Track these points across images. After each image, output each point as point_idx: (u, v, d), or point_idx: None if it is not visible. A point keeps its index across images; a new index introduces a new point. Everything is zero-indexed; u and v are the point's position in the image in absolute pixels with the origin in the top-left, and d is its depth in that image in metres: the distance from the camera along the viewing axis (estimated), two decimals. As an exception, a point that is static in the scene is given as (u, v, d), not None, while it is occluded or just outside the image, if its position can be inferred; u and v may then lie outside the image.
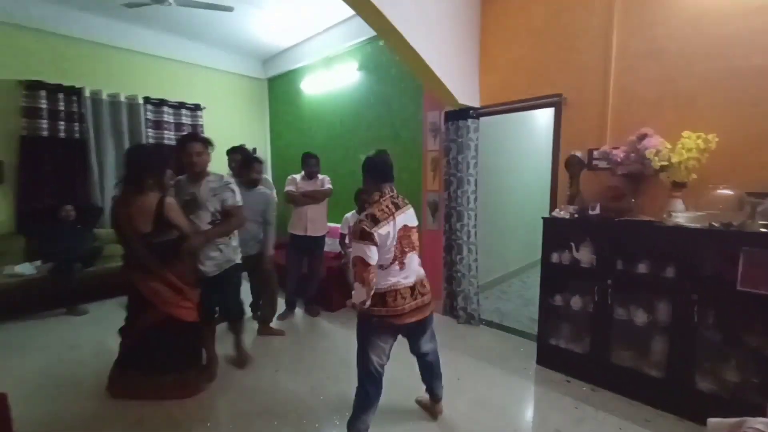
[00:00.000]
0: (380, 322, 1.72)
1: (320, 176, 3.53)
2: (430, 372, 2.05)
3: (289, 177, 3.50)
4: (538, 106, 2.97)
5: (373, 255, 1.62)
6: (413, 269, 1.82)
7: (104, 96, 4.32)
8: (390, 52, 3.65)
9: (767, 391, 1.82)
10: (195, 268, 2.31)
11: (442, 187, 3.48)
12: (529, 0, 2.90)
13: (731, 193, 1.97)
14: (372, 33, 3.65)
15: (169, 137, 4.82)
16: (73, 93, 4.12)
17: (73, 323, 3.43)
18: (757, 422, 1.00)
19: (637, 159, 2.20)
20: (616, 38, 2.47)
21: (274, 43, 5.07)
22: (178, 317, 2.16)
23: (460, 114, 3.23)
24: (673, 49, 2.27)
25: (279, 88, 5.71)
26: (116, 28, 4.37)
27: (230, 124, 5.49)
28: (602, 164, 2.50)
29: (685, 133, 2.08)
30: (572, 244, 2.43)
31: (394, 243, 1.70)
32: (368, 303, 1.65)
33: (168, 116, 4.83)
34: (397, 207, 1.76)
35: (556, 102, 2.79)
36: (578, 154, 2.61)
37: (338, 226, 3.73)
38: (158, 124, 4.76)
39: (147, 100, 4.64)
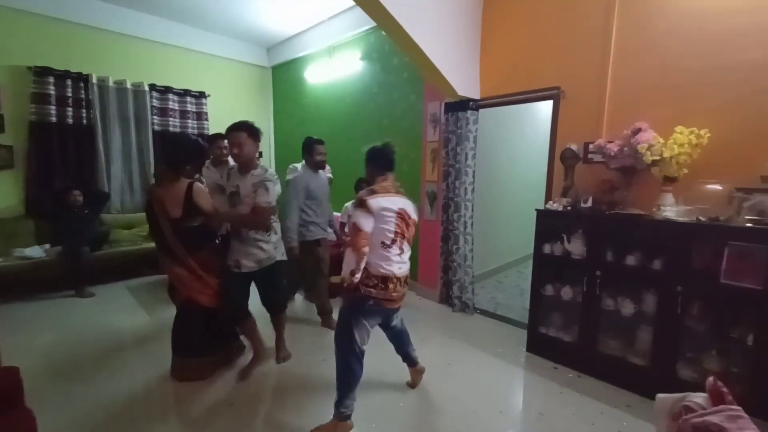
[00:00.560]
0: (376, 305, 1.80)
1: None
2: (399, 339, 2.17)
3: (291, 166, 3.36)
4: (537, 98, 2.99)
5: (367, 222, 1.71)
6: (407, 260, 1.90)
7: (111, 83, 4.38)
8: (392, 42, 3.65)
9: (746, 380, 1.88)
10: (218, 258, 2.33)
11: (441, 178, 3.53)
12: (531, -8, 2.90)
13: (720, 188, 2.01)
14: (375, 22, 3.65)
15: (174, 124, 4.91)
16: (81, 79, 4.19)
17: (80, 305, 3.55)
18: (697, 396, 1.07)
19: (631, 153, 2.23)
20: (616, 31, 2.48)
21: (278, 31, 5.09)
22: (196, 301, 2.24)
23: (460, 105, 3.26)
24: (671, 43, 2.28)
25: (282, 77, 5.74)
26: (122, 16, 4.41)
27: (234, 111, 5.50)
28: (597, 158, 2.53)
29: (678, 128, 2.11)
30: (564, 236, 2.48)
31: (394, 220, 1.78)
32: (358, 275, 1.71)
33: (173, 103, 4.90)
34: (397, 191, 1.87)
35: (554, 95, 2.81)
36: (574, 147, 2.64)
37: (338, 214, 3.80)
38: (163, 111, 4.83)
39: (153, 87, 4.70)
